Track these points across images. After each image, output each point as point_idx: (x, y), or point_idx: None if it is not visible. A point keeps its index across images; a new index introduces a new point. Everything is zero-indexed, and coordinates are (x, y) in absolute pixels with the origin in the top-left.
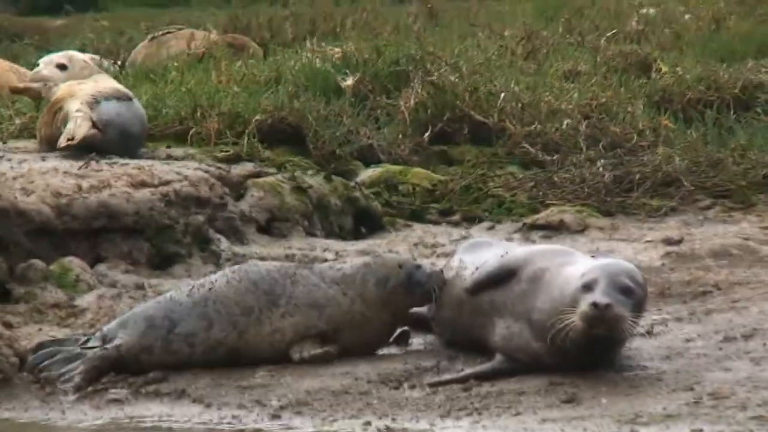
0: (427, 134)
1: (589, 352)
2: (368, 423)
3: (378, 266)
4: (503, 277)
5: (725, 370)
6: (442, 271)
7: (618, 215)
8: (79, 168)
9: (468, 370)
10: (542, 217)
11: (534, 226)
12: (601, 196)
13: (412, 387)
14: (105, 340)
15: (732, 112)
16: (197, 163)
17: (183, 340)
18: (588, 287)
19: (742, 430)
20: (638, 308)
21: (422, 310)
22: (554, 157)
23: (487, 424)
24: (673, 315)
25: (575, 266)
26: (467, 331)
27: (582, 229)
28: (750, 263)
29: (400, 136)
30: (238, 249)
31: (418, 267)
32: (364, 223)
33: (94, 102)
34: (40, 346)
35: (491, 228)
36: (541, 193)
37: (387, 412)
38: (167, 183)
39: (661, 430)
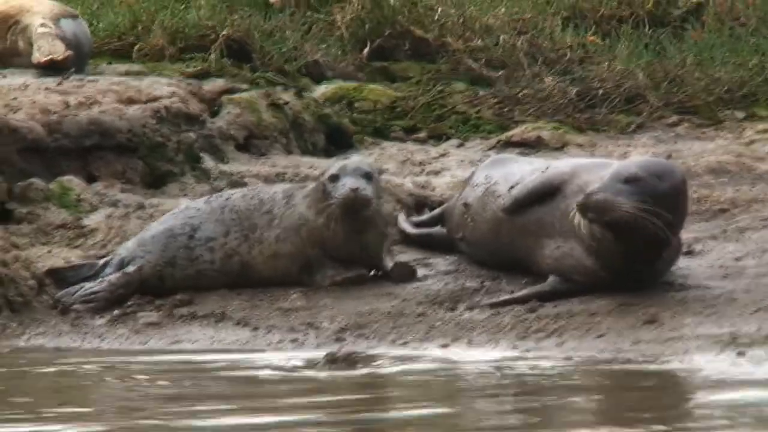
0: (366, 50)
1: (626, 248)
2: (445, 345)
3: (320, 179)
4: (546, 193)
5: None
6: (356, 190)
7: (587, 132)
8: (57, 84)
9: (526, 291)
10: (517, 133)
11: (509, 143)
12: (569, 112)
13: (470, 309)
14: (123, 263)
15: (647, 27)
16: (167, 78)
17: (204, 245)
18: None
19: None
20: (650, 196)
21: (439, 229)
22: (499, 74)
23: (574, 345)
24: (705, 233)
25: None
26: (508, 252)
27: (561, 146)
28: (752, 180)
29: (340, 52)
30: (225, 167)
31: (334, 179)
32: (334, 140)
33: (56, 20)
34: (53, 272)
35: (461, 145)
36: (506, 109)
37: (458, 335)
38: (156, 99)
39: None
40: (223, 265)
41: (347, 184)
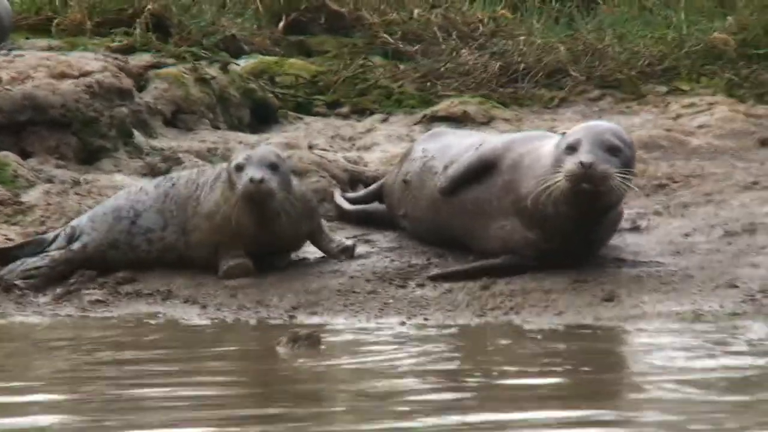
0: (281, 24)
1: (578, 215)
2: (403, 323)
3: (227, 167)
4: (482, 170)
5: (753, 266)
6: (258, 182)
7: (512, 106)
8: None
9: (477, 263)
10: (443, 108)
11: (435, 118)
12: (492, 86)
13: (421, 285)
14: (73, 237)
15: (554, 2)
16: (93, 53)
17: (143, 234)
18: (572, 148)
19: None
20: (626, 166)
21: (377, 206)
22: (415, 48)
23: (536, 321)
24: (648, 209)
25: (554, 140)
26: (448, 231)
27: (487, 121)
28: (685, 155)
29: (256, 27)
30: (156, 143)
31: (239, 168)
32: (259, 115)
33: None
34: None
35: (385, 120)
36: (429, 84)
37: (413, 312)
38: (88, 74)
39: (736, 328)
40: (161, 256)
41: (250, 174)
